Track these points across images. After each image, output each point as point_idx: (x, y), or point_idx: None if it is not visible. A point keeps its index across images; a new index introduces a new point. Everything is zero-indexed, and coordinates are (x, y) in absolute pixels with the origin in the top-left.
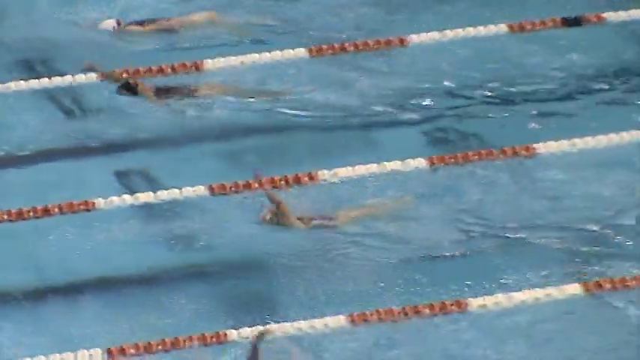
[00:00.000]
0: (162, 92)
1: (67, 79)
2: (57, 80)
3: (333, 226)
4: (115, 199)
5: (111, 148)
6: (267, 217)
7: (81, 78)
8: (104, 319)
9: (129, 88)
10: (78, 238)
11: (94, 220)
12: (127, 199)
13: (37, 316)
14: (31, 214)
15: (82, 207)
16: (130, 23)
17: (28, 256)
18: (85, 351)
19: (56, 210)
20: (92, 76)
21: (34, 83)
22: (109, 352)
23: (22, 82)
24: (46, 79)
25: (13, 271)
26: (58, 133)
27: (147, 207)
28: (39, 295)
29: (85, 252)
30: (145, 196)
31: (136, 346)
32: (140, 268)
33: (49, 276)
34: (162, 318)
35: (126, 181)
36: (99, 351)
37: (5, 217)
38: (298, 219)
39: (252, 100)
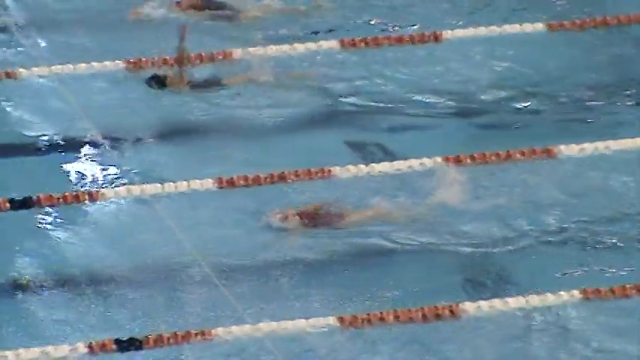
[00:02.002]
0: (197, 85)
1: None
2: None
3: (337, 225)
4: (351, 167)
5: (344, 117)
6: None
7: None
8: (337, 287)
9: (158, 81)
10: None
11: (331, 187)
12: (363, 168)
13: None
14: (268, 179)
15: (318, 174)
16: (190, 5)
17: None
18: (317, 319)
19: (292, 177)
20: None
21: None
22: (341, 319)
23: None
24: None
25: (245, 234)
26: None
27: (382, 177)
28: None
29: None
30: (381, 166)
31: (368, 317)
32: (377, 237)
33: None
34: (394, 289)
35: (360, 151)
36: (329, 319)
37: (242, 182)
38: (300, 217)
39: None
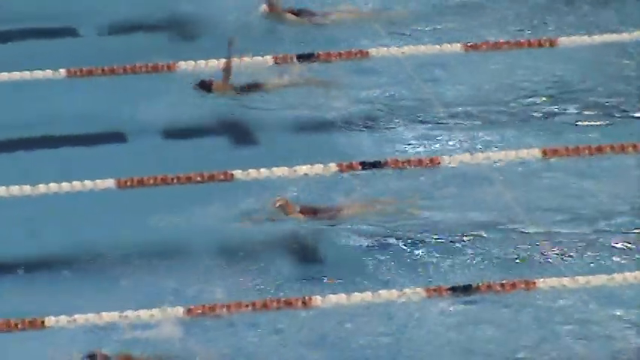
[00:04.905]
0: (245, 89)
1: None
2: None
3: (334, 217)
4: None
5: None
6: (277, 204)
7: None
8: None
9: (204, 86)
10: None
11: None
12: None
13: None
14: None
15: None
16: (286, 10)
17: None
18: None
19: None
20: None
21: None
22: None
23: None
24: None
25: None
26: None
27: None
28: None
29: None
30: None
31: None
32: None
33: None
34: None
35: None
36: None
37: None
38: (300, 212)
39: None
